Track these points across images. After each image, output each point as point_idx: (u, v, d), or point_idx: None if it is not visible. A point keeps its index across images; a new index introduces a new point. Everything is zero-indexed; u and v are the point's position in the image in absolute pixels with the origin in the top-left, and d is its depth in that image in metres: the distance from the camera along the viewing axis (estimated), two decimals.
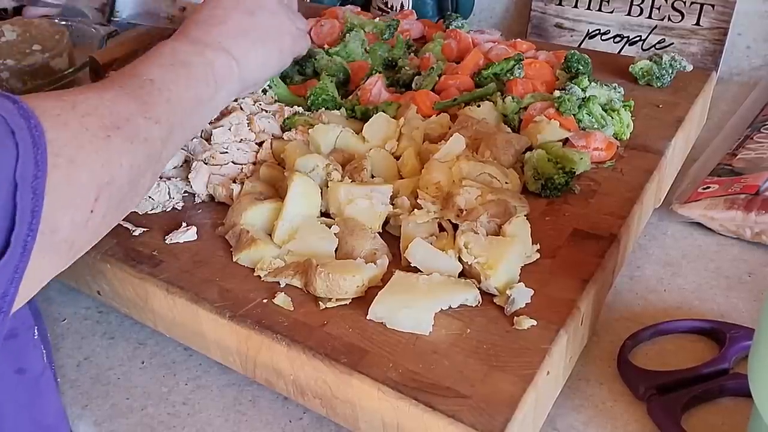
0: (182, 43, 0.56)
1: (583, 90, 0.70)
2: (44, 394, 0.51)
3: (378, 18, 0.91)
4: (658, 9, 0.99)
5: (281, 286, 0.53)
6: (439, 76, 0.77)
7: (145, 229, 0.61)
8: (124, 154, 0.43)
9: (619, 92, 0.72)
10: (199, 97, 0.53)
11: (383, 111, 0.70)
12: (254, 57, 0.60)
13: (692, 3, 0.96)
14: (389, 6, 1.11)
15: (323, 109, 0.73)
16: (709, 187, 0.71)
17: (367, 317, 0.49)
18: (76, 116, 0.41)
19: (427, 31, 0.91)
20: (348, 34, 0.84)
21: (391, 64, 0.83)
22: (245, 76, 0.59)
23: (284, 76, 0.80)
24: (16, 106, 0.37)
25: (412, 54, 0.85)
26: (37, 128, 0.37)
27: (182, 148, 0.67)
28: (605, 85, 0.72)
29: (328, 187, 0.60)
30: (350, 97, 0.76)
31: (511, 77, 0.74)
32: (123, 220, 0.62)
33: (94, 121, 0.42)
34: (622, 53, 1.02)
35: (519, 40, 0.85)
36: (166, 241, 0.59)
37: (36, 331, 0.50)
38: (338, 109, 0.73)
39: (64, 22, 0.89)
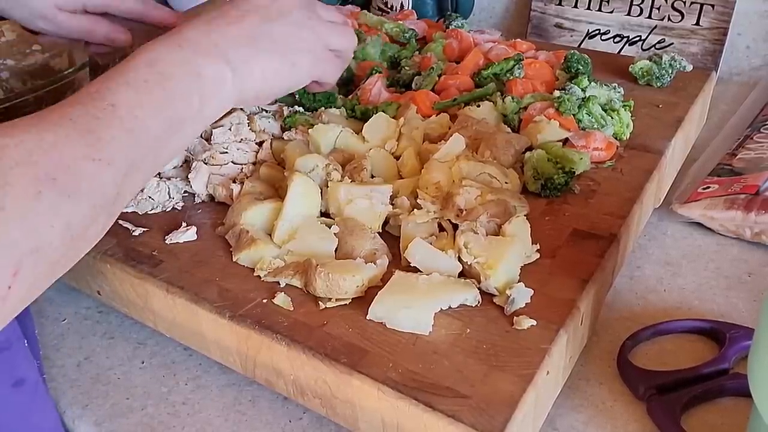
0: (169, 47, 0.48)
1: (583, 90, 0.70)
2: (43, 401, 0.50)
3: (392, 20, 0.91)
4: (658, 9, 0.99)
5: (281, 286, 0.53)
6: (439, 76, 0.77)
7: (145, 229, 0.61)
8: (59, 212, 0.37)
9: (618, 92, 0.72)
10: (177, 117, 0.46)
11: (383, 111, 0.70)
12: (257, 67, 0.51)
13: (692, 3, 0.96)
14: (389, 6, 1.11)
15: (323, 108, 0.73)
16: (709, 187, 0.71)
17: (367, 317, 0.49)
18: (2, 172, 0.35)
19: (427, 31, 0.91)
20: (369, 38, 0.84)
21: (395, 62, 0.83)
22: (244, 87, 0.51)
23: None
24: None
25: (416, 53, 0.85)
26: None
27: None
28: (605, 85, 0.72)
29: (328, 187, 0.60)
30: (350, 97, 0.76)
31: (511, 77, 0.74)
32: (123, 220, 0.62)
33: (24, 173, 0.36)
34: (622, 53, 1.02)
35: (519, 40, 0.85)
36: (166, 241, 0.59)
37: (26, 341, 0.50)
38: (338, 109, 0.73)
39: None
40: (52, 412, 0.53)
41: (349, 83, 0.80)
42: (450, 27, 0.89)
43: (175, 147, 0.48)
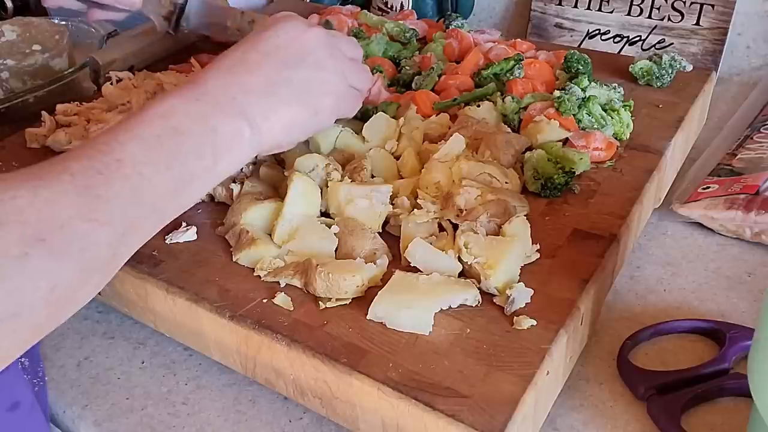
0: (186, 99, 0.46)
1: (583, 90, 0.70)
2: (39, 424, 0.49)
3: (392, 20, 0.91)
4: (658, 9, 0.99)
5: (281, 286, 0.53)
6: (439, 76, 0.77)
7: None
8: (45, 275, 0.35)
9: (618, 92, 0.72)
10: (187, 173, 0.44)
11: (383, 111, 0.70)
12: (278, 119, 0.50)
13: (692, 3, 0.96)
14: (389, 6, 1.11)
15: None
16: (709, 187, 0.71)
17: (367, 317, 0.49)
18: None
19: (428, 31, 0.91)
20: (374, 36, 0.84)
21: (396, 62, 0.83)
22: (262, 140, 0.50)
23: None
24: None
25: (416, 52, 0.85)
26: None
27: None
28: (605, 85, 0.72)
29: (328, 187, 0.60)
30: None
31: (511, 77, 0.74)
32: None
33: (12, 232, 0.34)
34: (622, 53, 1.02)
35: (519, 40, 0.85)
36: (166, 241, 0.59)
37: (23, 359, 0.48)
38: None
39: (64, 22, 0.89)
40: (46, 426, 0.52)
41: None
42: (450, 27, 0.89)
43: (184, 203, 0.46)
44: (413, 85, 0.78)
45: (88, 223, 0.38)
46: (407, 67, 0.80)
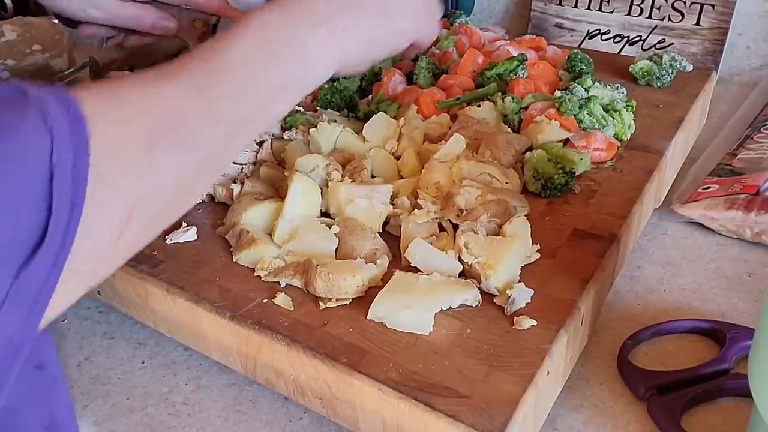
0: (274, 14, 0.49)
1: (587, 90, 0.70)
2: (61, 389, 0.51)
3: None
4: (658, 9, 0.99)
5: (281, 286, 0.53)
6: (439, 74, 0.77)
7: None
8: (170, 163, 0.39)
9: (621, 93, 0.72)
10: (283, 80, 0.48)
11: (383, 111, 0.70)
12: (360, 33, 0.52)
13: (692, 3, 0.96)
14: None
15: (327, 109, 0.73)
16: (709, 187, 0.71)
17: (368, 317, 0.49)
18: (120, 119, 0.37)
19: None
20: None
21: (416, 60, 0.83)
22: (346, 55, 0.52)
23: None
24: (55, 96, 0.34)
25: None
26: (75, 115, 0.34)
27: None
28: (608, 85, 0.72)
29: (328, 187, 0.60)
30: (369, 96, 0.76)
31: (515, 77, 0.74)
32: None
33: (141, 123, 0.38)
34: (622, 53, 1.02)
35: (532, 37, 0.85)
36: (166, 241, 0.59)
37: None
38: (348, 110, 0.74)
39: None
40: (68, 403, 0.54)
41: (369, 83, 0.79)
42: (454, 24, 0.89)
43: (278, 112, 0.50)
44: (413, 77, 0.78)
45: (205, 120, 0.42)
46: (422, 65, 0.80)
